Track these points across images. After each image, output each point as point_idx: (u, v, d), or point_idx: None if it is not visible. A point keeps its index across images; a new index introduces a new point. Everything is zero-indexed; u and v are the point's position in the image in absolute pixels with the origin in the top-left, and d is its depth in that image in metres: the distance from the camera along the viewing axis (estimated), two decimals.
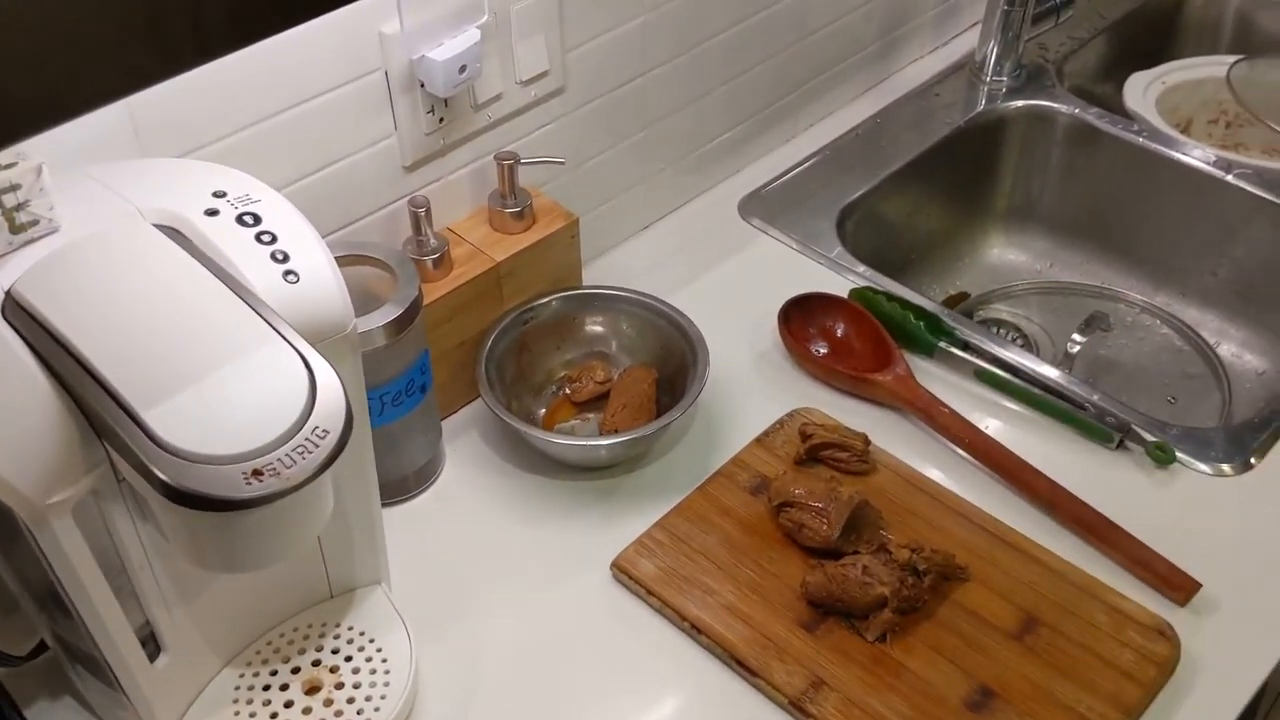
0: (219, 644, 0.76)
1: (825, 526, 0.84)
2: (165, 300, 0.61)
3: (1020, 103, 1.30)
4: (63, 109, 0.62)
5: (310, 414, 0.58)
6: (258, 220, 0.67)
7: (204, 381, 0.58)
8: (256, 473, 0.56)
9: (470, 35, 0.85)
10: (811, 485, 0.86)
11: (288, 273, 0.66)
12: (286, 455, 0.57)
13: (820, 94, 1.26)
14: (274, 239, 0.66)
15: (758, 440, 0.94)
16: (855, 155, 1.25)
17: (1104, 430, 0.94)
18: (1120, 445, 0.94)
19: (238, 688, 0.76)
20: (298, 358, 0.60)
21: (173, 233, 0.65)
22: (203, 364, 0.59)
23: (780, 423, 0.95)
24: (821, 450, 0.91)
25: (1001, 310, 1.29)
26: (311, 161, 0.85)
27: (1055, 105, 1.29)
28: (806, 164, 1.23)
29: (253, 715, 0.75)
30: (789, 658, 0.79)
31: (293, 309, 0.64)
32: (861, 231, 1.19)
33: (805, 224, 1.16)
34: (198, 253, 0.64)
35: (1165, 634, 0.80)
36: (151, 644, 0.71)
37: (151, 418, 0.56)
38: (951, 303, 1.28)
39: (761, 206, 1.18)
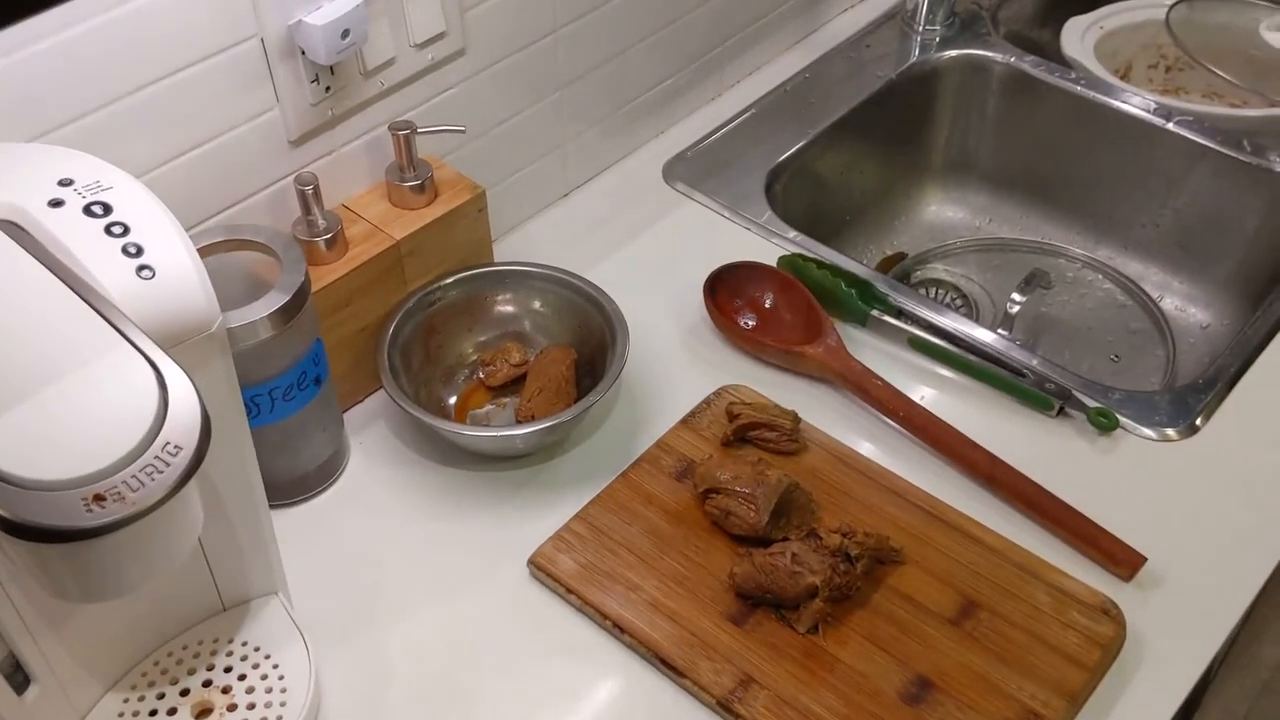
0: (98, 669, 0.70)
1: (753, 513, 0.79)
2: None
3: (954, 53, 1.24)
4: None
5: (161, 428, 0.52)
6: (108, 210, 0.60)
7: (40, 396, 0.52)
8: (98, 498, 0.50)
9: None
10: (738, 469, 0.81)
11: (142, 268, 0.59)
12: (133, 477, 0.51)
13: (747, 48, 1.20)
14: (126, 230, 0.60)
15: (683, 422, 0.88)
16: (784, 113, 1.19)
17: (1044, 397, 0.90)
18: (1061, 412, 0.90)
19: (121, 715, 0.70)
20: (147, 365, 0.54)
21: (11, 227, 0.59)
22: (39, 376, 0.52)
23: (707, 402, 0.90)
24: (750, 430, 0.86)
25: (940, 270, 1.24)
26: (185, 139, 0.78)
27: (989, 54, 1.24)
28: (733, 123, 1.18)
29: None
30: (717, 655, 0.75)
31: (148, 308, 0.58)
32: (792, 193, 1.14)
33: (733, 187, 1.11)
34: (38, 249, 0.58)
35: (1110, 613, 0.77)
36: (20, 674, 0.65)
37: None
38: (888, 264, 1.23)
39: (686, 170, 1.13)
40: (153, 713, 0.71)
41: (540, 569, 0.80)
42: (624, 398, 0.92)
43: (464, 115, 0.94)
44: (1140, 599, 0.79)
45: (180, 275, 0.60)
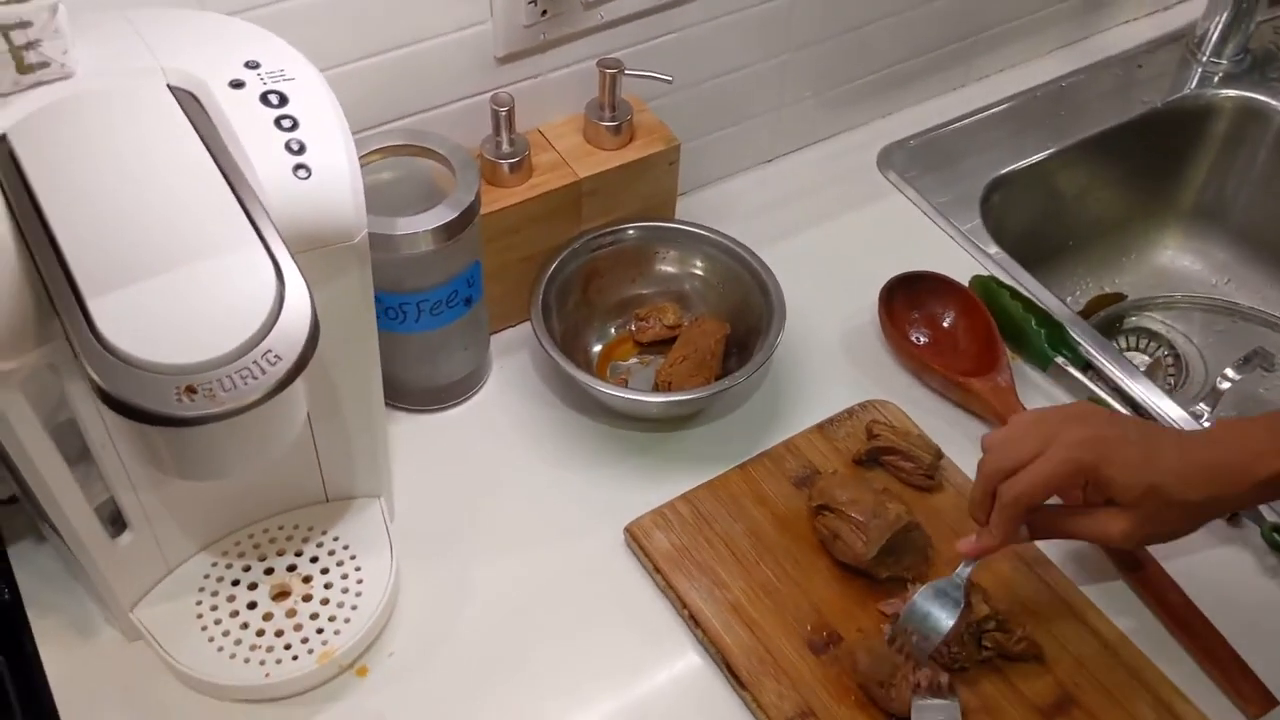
0: (194, 529, 0.73)
1: (860, 544, 0.75)
2: (151, 177, 0.56)
3: (1234, 92, 1.13)
4: None
5: (268, 334, 0.53)
6: (284, 101, 0.61)
7: (163, 276, 0.53)
8: (190, 389, 0.51)
9: None
10: (859, 493, 0.77)
11: (299, 166, 0.60)
12: (227, 377, 0.51)
13: (1003, 42, 1.12)
14: (295, 125, 0.60)
15: (819, 427, 0.85)
16: (1028, 119, 1.11)
17: None
18: (1234, 519, 0.81)
19: (207, 576, 0.73)
20: (272, 270, 0.54)
21: (188, 98, 0.60)
22: (167, 257, 0.53)
23: (850, 412, 0.85)
24: (885, 454, 0.82)
25: (1157, 321, 1.14)
26: (391, 37, 0.78)
27: (1274, 102, 1.11)
28: (969, 119, 1.10)
29: (214, 608, 0.72)
30: (784, 678, 0.72)
31: (297, 207, 0.59)
32: (1012, 206, 1.06)
33: (949, 188, 1.04)
34: (207, 126, 0.59)
35: None
36: (119, 519, 0.69)
37: (97, 306, 0.51)
38: (1102, 302, 1.14)
39: (904, 160, 1.07)
40: (235, 582, 0.73)
41: (634, 539, 0.79)
42: (767, 385, 0.89)
43: (680, 62, 0.91)
44: None
45: (335, 181, 0.60)
